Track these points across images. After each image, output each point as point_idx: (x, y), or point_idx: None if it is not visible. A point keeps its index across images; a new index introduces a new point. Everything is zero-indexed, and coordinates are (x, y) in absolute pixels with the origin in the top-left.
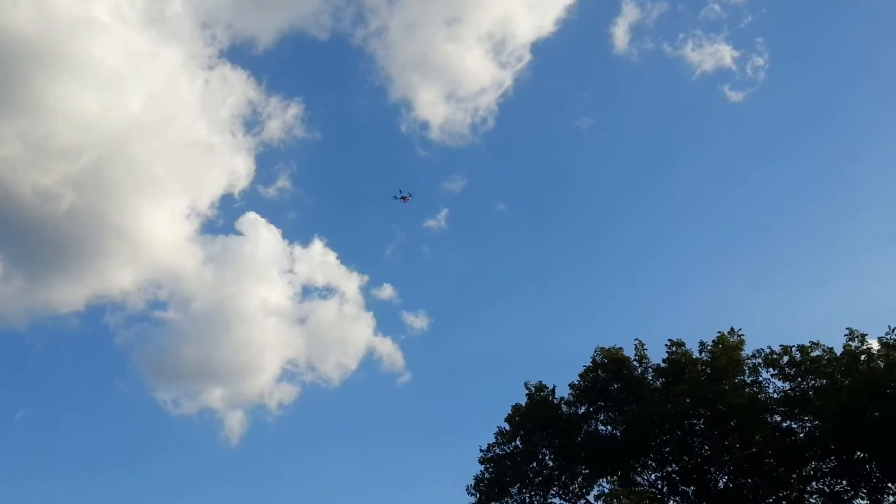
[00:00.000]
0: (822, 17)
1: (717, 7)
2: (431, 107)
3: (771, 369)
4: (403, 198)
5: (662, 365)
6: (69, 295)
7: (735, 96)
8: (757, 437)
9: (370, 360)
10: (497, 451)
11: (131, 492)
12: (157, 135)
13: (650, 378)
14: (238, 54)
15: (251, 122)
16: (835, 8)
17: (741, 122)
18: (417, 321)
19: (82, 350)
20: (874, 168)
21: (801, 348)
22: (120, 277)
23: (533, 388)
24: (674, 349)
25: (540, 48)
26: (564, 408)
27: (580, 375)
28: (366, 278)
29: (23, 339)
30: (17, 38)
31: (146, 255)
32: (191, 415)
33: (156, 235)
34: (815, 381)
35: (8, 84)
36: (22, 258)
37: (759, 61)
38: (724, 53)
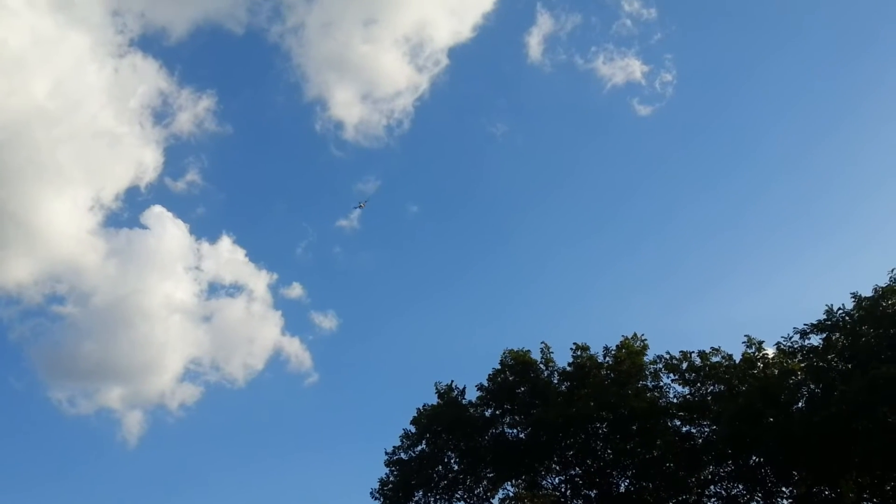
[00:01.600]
0: (728, 34)
1: (628, 22)
2: (347, 107)
3: (672, 374)
4: (360, 205)
5: (568, 369)
6: None
7: (644, 110)
8: (658, 441)
9: (277, 361)
10: (402, 454)
11: (22, 494)
12: (61, 122)
13: (556, 381)
14: (149, 43)
15: (161, 114)
16: (740, 27)
17: (648, 134)
18: (326, 321)
19: None
20: (773, 176)
21: (701, 354)
22: (16, 269)
23: (443, 389)
24: (579, 353)
25: (457, 53)
26: (471, 410)
27: (488, 378)
28: (275, 276)
29: None
30: None
31: (45, 247)
32: (87, 415)
33: (56, 227)
34: (714, 386)
35: None
36: None
37: (668, 77)
38: (634, 68)
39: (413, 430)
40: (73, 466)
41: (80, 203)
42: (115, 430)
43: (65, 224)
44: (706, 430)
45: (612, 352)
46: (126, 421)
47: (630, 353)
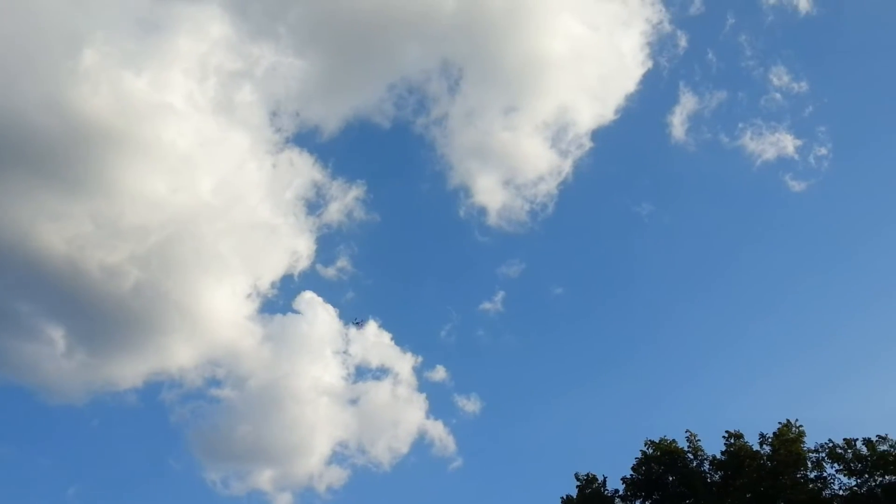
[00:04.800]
0: (885, 99)
1: (777, 96)
2: (490, 193)
3: (836, 464)
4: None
5: (720, 457)
6: (129, 371)
7: (798, 186)
8: None
9: (421, 444)
10: None
11: None
12: (223, 216)
13: (706, 471)
14: (304, 140)
15: (314, 205)
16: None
17: (804, 210)
18: (469, 405)
19: (138, 427)
20: None
21: (867, 442)
22: (179, 354)
23: (583, 480)
24: (732, 441)
25: (600, 135)
26: (619, 501)
27: (632, 468)
28: (419, 359)
29: (81, 413)
30: (95, 122)
31: (206, 333)
32: (239, 496)
33: (217, 314)
34: (884, 476)
35: (83, 166)
36: (85, 334)
37: (822, 150)
38: (787, 142)
39: None
40: None
41: (239, 291)
42: None
43: (224, 311)
44: None
45: (770, 439)
46: (276, 503)
47: (786, 441)
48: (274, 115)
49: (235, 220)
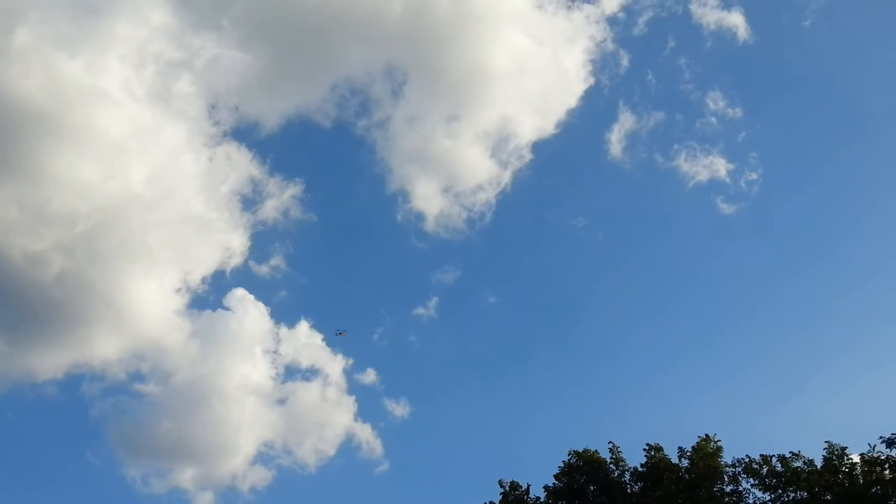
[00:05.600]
0: (813, 131)
1: (713, 120)
2: (428, 199)
3: (751, 479)
4: (340, 333)
5: (640, 469)
6: (49, 362)
7: (728, 209)
8: None
9: (349, 447)
10: None
11: None
12: (154, 208)
13: (627, 481)
14: (243, 135)
15: (250, 201)
16: (825, 124)
17: (733, 233)
18: (399, 409)
19: (56, 420)
20: (862, 274)
21: (782, 459)
22: (103, 347)
23: (507, 487)
24: (652, 453)
25: (540, 148)
26: None
27: (555, 476)
28: (350, 361)
29: None
30: (25, 104)
31: (132, 327)
32: (160, 494)
33: (144, 307)
34: (796, 493)
35: (11, 148)
36: (4, 322)
37: (753, 175)
38: (719, 166)
39: None
40: None
41: (168, 285)
42: None
43: (152, 305)
44: None
45: (688, 452)
46: (197, 502)
47: (705, 455)
48: (213, 107)
49: (167, 212)
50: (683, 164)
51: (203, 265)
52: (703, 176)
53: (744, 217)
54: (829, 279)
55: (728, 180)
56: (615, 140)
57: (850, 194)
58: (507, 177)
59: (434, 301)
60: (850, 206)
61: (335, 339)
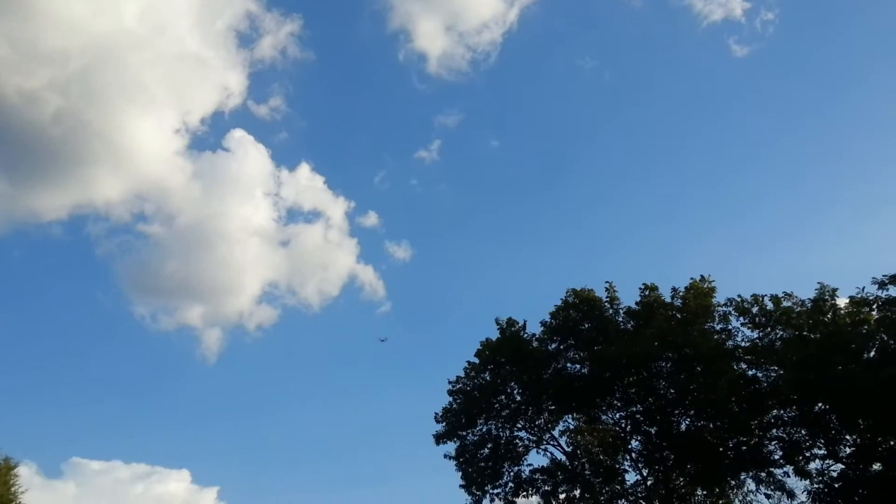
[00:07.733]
0: None
1: None
2: (431, 38)
3: (741, 318)
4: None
5: (634, 307)
6: (52, 203)
7: (741, 51)
8: (721, 383)
9: (351, 288)
10: (466, 383)
11: (104, 403)
12: (148, 45)
13: (621, 320)
14: None
15: (246, 38)
16: None
17: (745, 76)
18: (400, 251)
19: (63, 259)
20: (868, 123)
21: (774, 298)
22: (105, 188)
23: (504, 324)
24: (647, 293)
25: None
26: (535, 344)
27: (551, 314)
28: (352, 204)
29: (2, 243)
30: None
31: (132, 167)
32: (168, 331)
33: (143, 147)
34: (784, 331)
35: None
36: (5, 163)
37: (769, 15)
38: (734, 4)
39: (477, 361)
40: (154, 380)
41: (166, 125)
42: (194, 347)
43: (151, 145)
44: (773, 374)
45: (681, 293)
46: (205, 338)
47: (698, 295)
48: None
49: (161, 49)
50: (697, 2)
51: (201, 105)
52: (718, 15)
53: (757, 59)
54: (841, 125)
55: (743, 20)
56: None
57: (869, 37)
58: (513, 15)
59: (436, 144)
60: (868, 50)
61: (337, 181)
